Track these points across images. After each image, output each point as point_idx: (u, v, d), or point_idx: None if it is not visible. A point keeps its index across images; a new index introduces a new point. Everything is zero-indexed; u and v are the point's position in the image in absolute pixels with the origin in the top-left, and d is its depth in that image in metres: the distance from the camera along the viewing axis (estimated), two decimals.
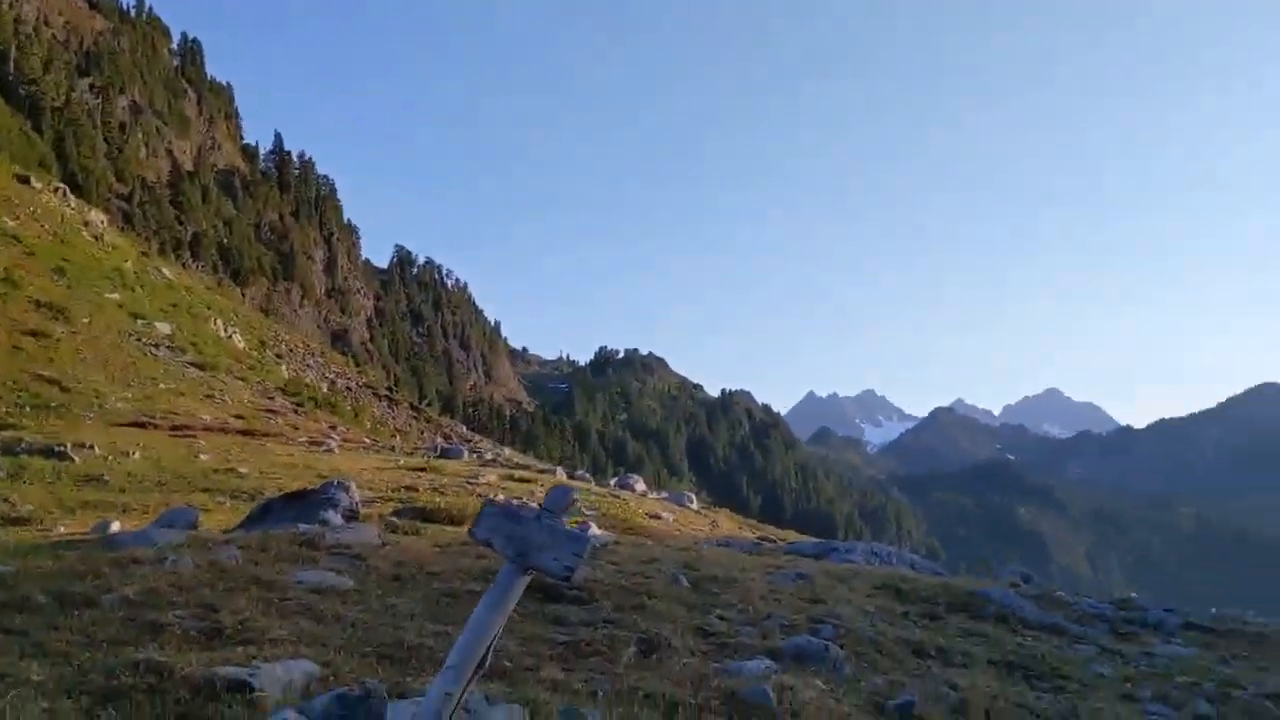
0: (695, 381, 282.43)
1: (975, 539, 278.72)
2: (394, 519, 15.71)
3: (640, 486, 34.41)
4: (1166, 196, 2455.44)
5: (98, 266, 50.63)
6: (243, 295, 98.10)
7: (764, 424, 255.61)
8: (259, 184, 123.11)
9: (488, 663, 4.32)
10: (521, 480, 27.61)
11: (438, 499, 19.85)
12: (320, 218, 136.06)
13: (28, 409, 27.66)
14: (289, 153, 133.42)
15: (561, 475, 33.40)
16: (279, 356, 60.88)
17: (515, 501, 19.94)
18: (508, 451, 58.20)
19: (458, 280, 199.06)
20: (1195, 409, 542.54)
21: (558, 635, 8.27)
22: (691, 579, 11.99)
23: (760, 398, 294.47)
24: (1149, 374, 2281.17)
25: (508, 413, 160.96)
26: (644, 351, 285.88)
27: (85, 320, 39.84)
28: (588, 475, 38.41)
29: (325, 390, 57.52)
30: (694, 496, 37.34)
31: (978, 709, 7.96)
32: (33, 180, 58.86)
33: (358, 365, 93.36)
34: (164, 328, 45.95)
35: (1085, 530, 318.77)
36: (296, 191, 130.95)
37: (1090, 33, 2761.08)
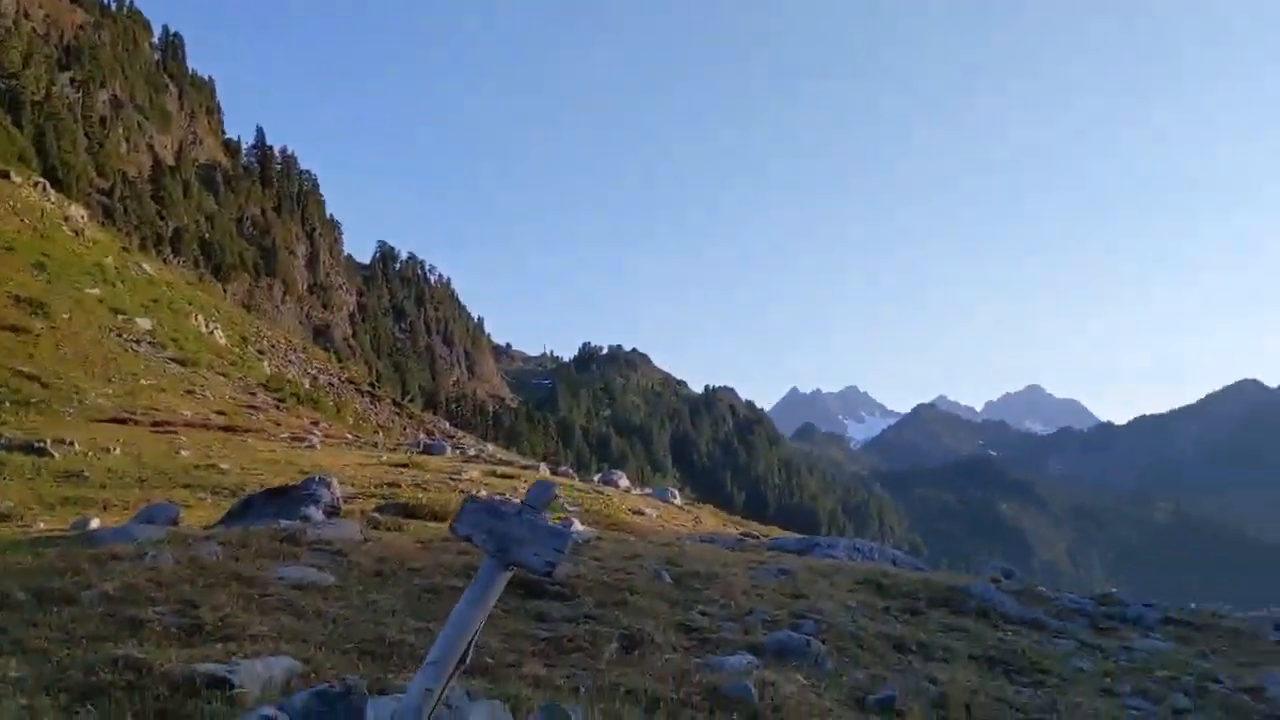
0: (679, 378, 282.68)
1: (957, 535, 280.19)
2: (376, 515, 15.66)
3: (623, 483, 34.41)
4: (1149, 195, 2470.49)
5: (78, 262, 50.32)
6: (224, 291, 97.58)
7: (748, 420, 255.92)
8: (241, 179, 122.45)
9: (469, 659, 4.32)
10: (504, 476, 27.57)
11: (420, 495, 19.80)
12: (302, 213, 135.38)
13: (7, 404, 27.48)
14: (271, 148, 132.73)
15: (545, 471, 33.38)
16: (261, 352, 60.61)
17: (498, 497, 19.93)
18: (491, 448, 58.13)
19: (441, 276, 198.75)
20: (1175, 405, 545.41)
21: (540, 631, 8.28)
22: (674, 575, 12.01)
23: (744, 394, 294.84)
24: (1130, 371, 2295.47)
25: (491, 409, 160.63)
26: (628, 348, 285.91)
27: (65, 316, 39.60)
28: (571, 471, 38.42)
29: (307, 386, 57.32)
30: (677, 493, 37.35)
31: (958, 703, 8.00)
32: (12, 175, 58.52)
33: (340, 361, 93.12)
34: (145, 323, 45.71)
35: (1066, 526, 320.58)
36: (279, 186, 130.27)
37: (1075, 31, 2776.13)
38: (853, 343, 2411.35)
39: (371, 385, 78.88)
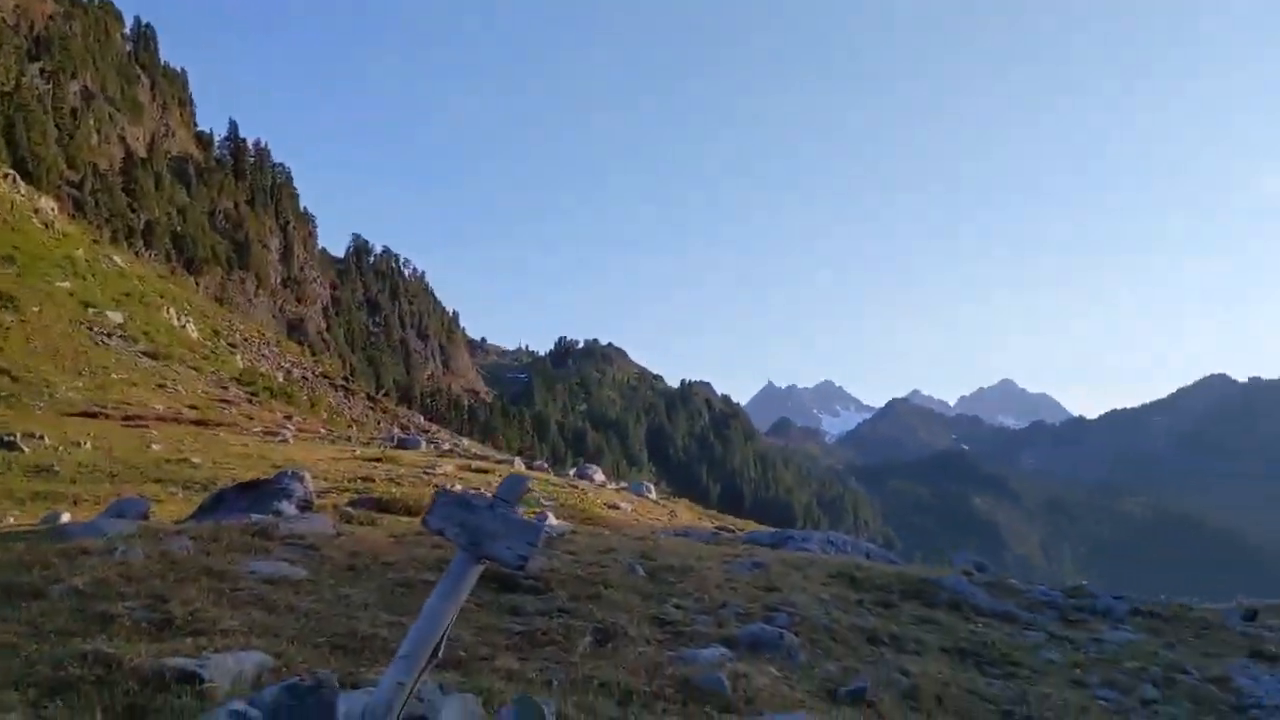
0: (655, 372, 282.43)
1: (931, 528, 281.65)
2: (349, 509, 15.60)
3: (599, 477, 34.39)
4: (1119, 191, 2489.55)
5: (48, 254, 49.84)
6: (196, 284, 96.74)
7: (723, 414, 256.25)
8: (213, 171, 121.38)
9: (441, 652, 4.32)
10: (479, 471, 27.51)
11: (394, 489, 19.73)
12: (276, 206, 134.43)
13: None
14: (244, 140, 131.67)
15: (520, 465, 33.33)
16: (233, 346, 60.22)
17: (471, 491, 19.88)
18: (466, 442, 57.99)
19: (415, 269, 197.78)
20: (1146, 400, 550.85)
21: (513, 625, 8.28)
22: (648, 568, 12.03)
23: (720, 388, 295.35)
24: (1102, 365, 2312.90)
25: (466, 403, 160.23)
26: (604, 342, 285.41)
27: (35, 309, 39.22)
28: (546, 465, 38.35)
29: (280, 380, 56.98)
30: (653, 487, 37.39)
31: (929, 695, 8.08)
32: None
33: (313, 355, 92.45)
34: (116, 317, 45.36)
35: (1039, 519, 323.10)
36: (252, 179, 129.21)
37: (1054, 31, 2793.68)
38: (828, 338, 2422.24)
39: (345, 379, 78.51)
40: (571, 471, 36.97)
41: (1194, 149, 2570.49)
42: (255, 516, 12.53)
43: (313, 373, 69.22)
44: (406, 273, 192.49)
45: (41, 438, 23.13)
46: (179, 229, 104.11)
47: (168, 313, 53.93)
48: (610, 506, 24.97)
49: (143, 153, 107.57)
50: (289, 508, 14.02)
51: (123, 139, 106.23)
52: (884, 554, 23.07)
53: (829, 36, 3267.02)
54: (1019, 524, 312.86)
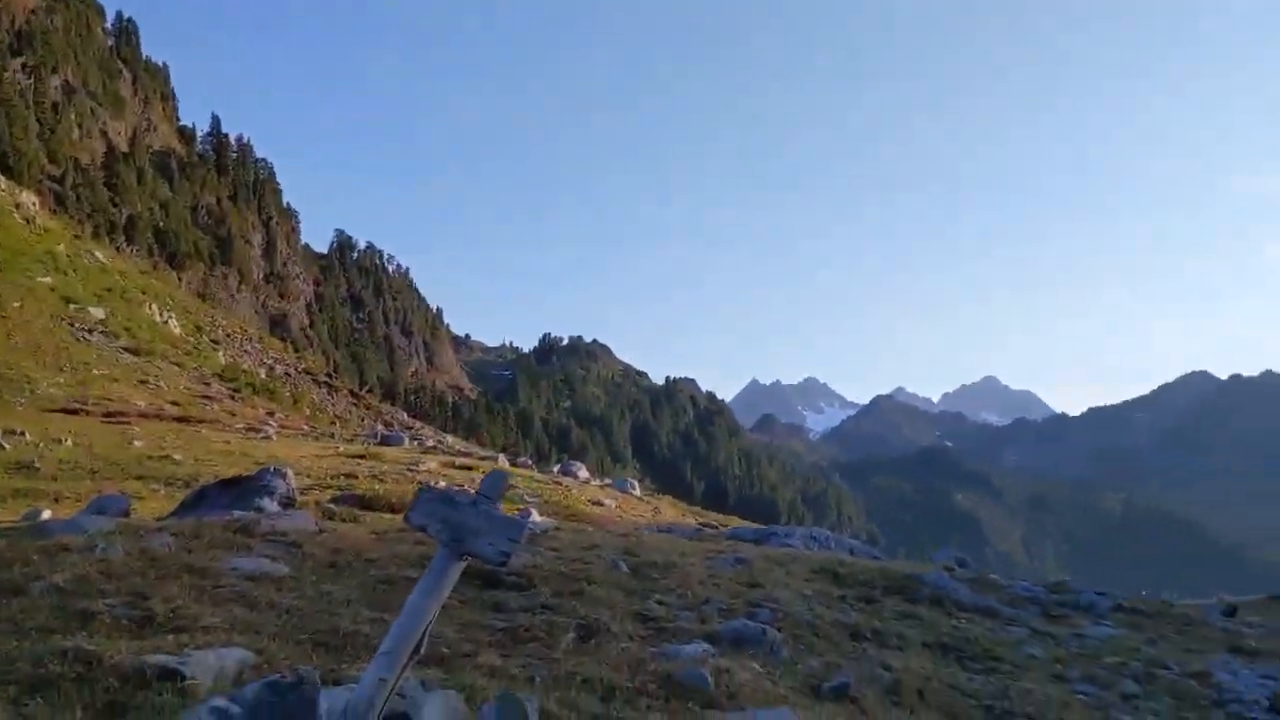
0: (639, 369, 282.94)
1: (914, 524, 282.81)
2: (332, 506, 15.56)
3: (583, 474, 34.40)
4: (1104, 191, 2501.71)
5: (29, 250, 49.53)
6: (179, 280, 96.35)
7: (708, 411, 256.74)
8: (196, 166, 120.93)
9: (423, 649, 4.32)
10: (463, 468, 27.48)
11: (377, 486, 19.69)
12: (259, 201, 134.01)
13: None
14: (226, 135, 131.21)
15: (504, 462, 33.32)
16: (215, 342, 59.96)
17: (455, 488, 19.85)
18: (450, 439, 57.95)
19: (399, 266, 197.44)
20: (1128, 397, 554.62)
21: (496, 621, 8.27)
22: (631, 565, 12.04)
23: (704, 385, 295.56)
24: (1084, 363, 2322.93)
25: (450, 400, 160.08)
26: (588, 339, 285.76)
27: (16, 304, 38.98)
28: (531, 462, 38.33)
29: (263, 376, 56.75)
30: (637, 483, 37.40)
31: (911, 690, 8.11)
32: None
33: (296, 351, 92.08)
34: (97, 312, 45.13)
35: (1021, 515, 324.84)
36: (235, 174, 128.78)
37: (1037, 31, 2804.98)
38: (813, 335, 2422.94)
39: (328, 375, 78.24)
40: (556, 468, 36.97)
41: (1176, 150, 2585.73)
42: (237, 513, 12.49)
43: (296, 369, 68.96)
44: (390, 269, 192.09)
45: (22, 434, 23.02)
46: (161, 224, 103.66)
47: (150, 308, 53.67)
48: (594, 503, 24.97)
49: (124, 147, 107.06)
50: (271, 504, 13.98)
51: (104, 133, 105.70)
52: (867, 550, 23.14)
53: (818, 34, 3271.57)
54: (1002, 520, 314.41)
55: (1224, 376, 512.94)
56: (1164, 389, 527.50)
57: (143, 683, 5.04)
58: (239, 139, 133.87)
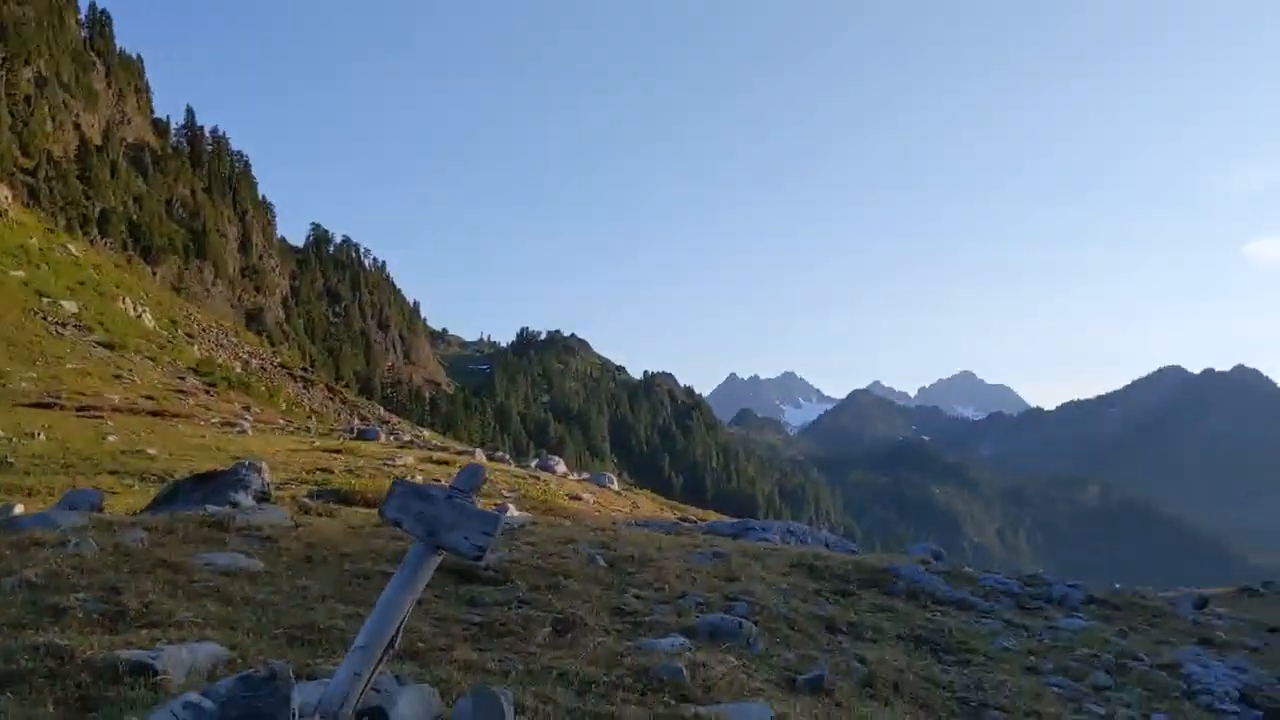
0: (618, 363, 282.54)
1: (891, 518, 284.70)
2: (307, 501, 15.50)
3: (561, 468, 34.42)
4: (1078, 188, 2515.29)
5: (1, 243, 49.05)
6: (153, 274, 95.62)
7: (686, 405, 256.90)
8: (170, 159, 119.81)
9: (397, 643, 4.31)
10: (440, 462, 27.45)
11: (353, 481, 19.65)
12: (234, 195, 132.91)
13: None
14: (201, 128, 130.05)
15: (481, 457, 33.27)
16: (190, 336, 59.61)
17: (430, 483, 19.82)
18: (426, 433, 57.82)
19: (376, 259, 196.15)
20: (1102, 391, 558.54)
21: (472, 616, 8.25)
22: (608, 559, 12.04)
23: (682, 379, 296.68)
24: (1059, 357, 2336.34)
25: (427, 394, 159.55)
26: (566, 333, 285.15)
27: None
28: (508, 457, 38.33)
29: (239, 370, 56.45)
30: (615, 478, 37.47)
31: (886, 682, 8.16)
32: None
33: (272, 345, 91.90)
34: (70, 306, 44.77)
35: (996, 508, 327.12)
36: (210, 167, 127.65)
37: (1009, 28, 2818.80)
38: (790, 329, 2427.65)
39: (305, 370, 77.99)
40: (533, 463, 36.96)
41: (1152, 146, 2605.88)
42: (211, 508, 12.41)
43: (271, 363, 68.69)
44: (367, 263, 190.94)
45: None
46: (135, 217, 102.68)
47: (123, 302, 53.27)
48: (572, 497, 25.00)
49: (98, 140, 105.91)
50: (246, 499, 13.91)
51: (77, 126, 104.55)
52: (844, 544, 23.27)
53: (809, 31, 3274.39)
54: (978, 513, 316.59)
55: (1197, 371, 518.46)
56: (1138, 383, 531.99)
57: (115, 678, 5.02)
58: (214, 132, 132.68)
